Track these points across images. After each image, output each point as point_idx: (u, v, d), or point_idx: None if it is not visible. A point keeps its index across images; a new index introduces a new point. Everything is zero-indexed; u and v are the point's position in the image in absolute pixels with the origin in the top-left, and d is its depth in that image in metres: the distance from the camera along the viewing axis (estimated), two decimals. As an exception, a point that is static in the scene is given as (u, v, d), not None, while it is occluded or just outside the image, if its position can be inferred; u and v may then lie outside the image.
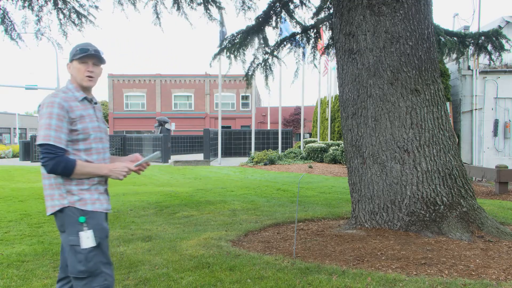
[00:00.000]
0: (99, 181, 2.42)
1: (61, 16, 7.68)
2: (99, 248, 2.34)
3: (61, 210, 2.34)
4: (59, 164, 2.25)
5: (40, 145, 2.27)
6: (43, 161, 2.27)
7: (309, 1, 8.21)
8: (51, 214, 2.38)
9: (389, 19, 5.13)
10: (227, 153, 25.83)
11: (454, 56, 8.88)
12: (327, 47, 8.76)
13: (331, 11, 7.77)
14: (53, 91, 2.62)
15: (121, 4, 7.57)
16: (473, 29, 14.58)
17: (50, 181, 2.36)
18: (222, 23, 9.04)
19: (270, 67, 8.51)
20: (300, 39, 8.39)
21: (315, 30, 8.35)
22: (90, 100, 2.47)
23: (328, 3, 7.93)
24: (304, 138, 25.90)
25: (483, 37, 8.50)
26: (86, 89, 2.46)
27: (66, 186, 2.34)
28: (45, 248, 4.83)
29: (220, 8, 8.03)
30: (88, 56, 2.39)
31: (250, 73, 8.47)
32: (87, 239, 2.31)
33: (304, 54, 9.08)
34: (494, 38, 8.39)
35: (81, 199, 2.34)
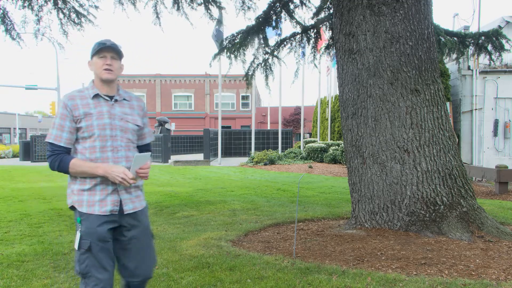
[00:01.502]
0: (103, 180, 2.35)
1: (61, 15, 7.68)
2: (91, 251, 2.29)
3: (72, 208, 2.43)
4: (54, 162, 2.33)
5: (46, 143, 2.40)
6: (47, 158, 2.39)
7: (309, 1, 8.22)
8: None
9: (389, 19, 5.13)
10: (227, 153, 25.83)
11: (454, 56, 8.88)
12: (327, 47, 8.76)
13: (331, 11, 7.77)
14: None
15: (121, 4, 7.57)
16: (473, 29, 14.58)
17: (67, 179, 2.48)
18: (220, 22, 9.02)
19: (270, 67, 8.51)
20: (300, 39, 8.38)
21: (315, 30, 8.35)
22: (111, 97, 2.43)
23: (328, 3, 7.93)
24: (304, 138, 25.90)
25: (483, 37, 8.50)
26: (108, 85, 2.43)
27: (71, 186, 2.41)
28: (45, 248, 4.83)
29: (220, 8, 8.03)
30: (106, 49, 2.39)
31: (250, 73, 8.47)
32: (77, 239, 2.33)
33: (304, 54, 9.08)
34: (494, 38, 8.39)
35: (79, 200, 2.36)
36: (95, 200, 2.34)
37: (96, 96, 2.40)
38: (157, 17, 7.76)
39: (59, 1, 7.52)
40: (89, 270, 2.30)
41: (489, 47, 8.50)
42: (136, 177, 2.36)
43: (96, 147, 2.36)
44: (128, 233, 2.43)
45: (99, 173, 2.31)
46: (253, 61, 8.40)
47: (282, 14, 8.02)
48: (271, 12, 7.86)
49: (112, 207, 2.37)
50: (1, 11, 7.54)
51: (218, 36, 16.07)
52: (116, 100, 2.45)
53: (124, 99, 2.49)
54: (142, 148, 2.61)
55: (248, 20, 8.63)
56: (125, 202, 2.41)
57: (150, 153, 2.46)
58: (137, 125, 2.49)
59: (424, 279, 3.54)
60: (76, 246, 2.32)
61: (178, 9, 7.75)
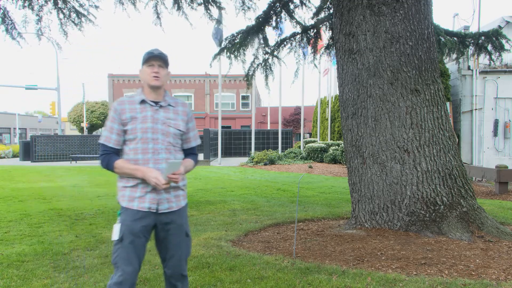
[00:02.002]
0: (144, 180, 2.49)
1: (61, 15, 7.68)
2: (122, 243, 2.47)
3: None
4: (103, 161, 2.56)
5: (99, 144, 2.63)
6: (98, 157, 2.61)
7: (309, 1, 8.21)
8: None
9: (389, 19, 5.13)
10: (227, 153, 25.83)
11: (454, 56, 8.88)
12: (327, 47, 8.76)
13: (331, 11, 7.77)
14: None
15: (122, 4, 7.57)
16: (473, 29, 14.58)
17: (117, 177, 2.65)
18: (220, 21, 9.02)
19: (270, 67, 8.51)
20: (300, 39, 8.39)
21: (315, 30, 8.34)
22: (156, 103, 2.59)
23: (328, 3, 7.93)
24: (304, 138, 25.89)
25: (483, 37, 8.50)
26: (155, 91, 2.60)
27: (118, 183, 2.62)
28: (45, 248, 4.83)
29: (220, 8, 8.02)
30: (153, 58, 2.57)
31: (250, 73, 8.48)
32: (113, 231, 2.52)
33: (304, 54, 9.08)
34: (494, 38, 8.39)
35: (122, 195, 2.57)
36: (135, 196, 2.51)
37: (143, 101, 2.58)
38: (158, 17, 7.76)
39: (59, 1, 7.52)
40: (117, 261, 2.47)
41: (489, 47, 8.50)
42: (169, 181, 2.47)
43: (138, 149, 2.53)
44: (164, 230, 2.58)
45: (138, 176, 2.48)
46: (253, 61, 8.40)
47: (282, 14, 8.02)
48: (271, 12, 7.86)
49: (150, 205, 2.51)
50: (2, 11, 7.54)
51: (217, 35, 16.08)
52: (161, 106, 2.60)
53: (169, 105, 2.64)
54: (187, 152, 2.74)
55: (248, 20, 8.64)
56: (161, 201, 2.54)
57: (180, 161, 2.53)
58: (179, 130, 2.63)
59: (424, 279, 3.54)
60: (112, 237, 2.52)
61: (178, 9, 7.75)
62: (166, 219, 2.56)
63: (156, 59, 2.58)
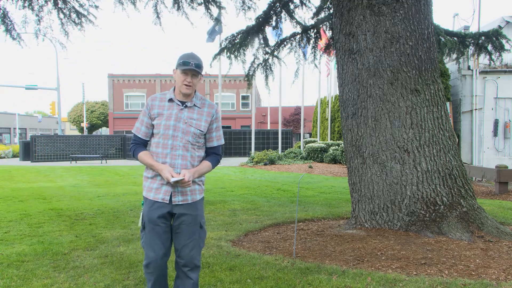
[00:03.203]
0: None
1: (61, 15, 7.68)
2: (145, 230, 2.74)
3: None
4: (131, 149, 2.83)
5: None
6: (130, 146, 2.87)
7: (309, 1, 8.21)
8: None
9: (389, 19, 5.13)
10: (227, 153, 25.82)
11: (454, 56, 8.87)
12: (327, 47, 8.76)
13: (331, 11, 7.77)
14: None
15: (121, 4, 7.57)
16: (473, 29, 14.58)
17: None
18: (218, 20, 9.03)
19: (270, 67, 8.51)
20: (300, 39, 8.38)
21: (315, 30, 8.34)
22: (182, 103, 2.77)
23: (328, 3, 7.93)
24: (304, 138, 25.89)
25: (483, 37, 8.49)
26: (185, 95, 2.76)
27: (144, 173, 2.86)
28: (45, 248, 4.83)
29: (220, 8, 8.02)
30: (188, 70, 2.70)
31: (250, 73, 8.48)
32: (140, 219, 2.82)
33: (304, 54, 9.08)
34: (494, 38, 8.39)
35: (144, 186, 2.81)
36: (153, 187, 2.75)
37: (171, 100, 2.78)
38: (158, 16, 7.76)
39: (59, 1, 7.52)
40: (143, 246, 2.77)
41: (489, 47, 8.49)
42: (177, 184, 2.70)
43: (159, 143, 2.75)
44: (178, 221, 2.75)
45: (155, 169, 2.70)
46: (253, 61, 8.40)
47: (282, 14, 8.02)
48: (271, 12, 7.86)
49: (164, 196, 2.72)
50: (1, 11, 7.53)
51: (212, 34, 16.62)
52: (186, 106, 2.77)
53: (195, 105, 2.80)
54: (209, 151, 2.89)
55: (248, 20, 8.63)
56: (175, 194, 2.72)
57: (182, 178, 2.63)
58: (200, 130, 2.78)
59: (424, 279, 3.54)
60: (138, 224, 2.86)
61: (178, 8, 7.75)
62: (181, 210, 2.73)
63: (191, 70, 2.70)
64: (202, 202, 2.87)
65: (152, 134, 2.81)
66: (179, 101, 2.77)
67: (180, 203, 2.72)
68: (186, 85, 2.71)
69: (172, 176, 2.63)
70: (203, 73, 2.78)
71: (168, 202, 2.71)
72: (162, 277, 2.78)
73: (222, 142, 2.94)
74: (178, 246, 2.76)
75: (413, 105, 5.09)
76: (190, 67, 2.66)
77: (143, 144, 2.82)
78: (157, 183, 2.73)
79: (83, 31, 7.80)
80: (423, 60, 5.17)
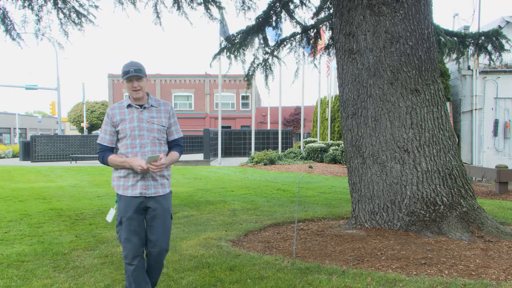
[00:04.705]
0: (133, 170, 2.96)
1: (61, 15, 7.67)
2: (122, 225, 3.01)
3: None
4: (99, 157, 3.08)
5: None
6: (98, 154, 3.12)
7: (309, 1, 8.21)
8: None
9: (389, 19, 5.13)
10: (227, 153, 25.82)
11: (454, 56, 8.87)
12: (327, 47, 8.75)
13: (331, 11, 7.77)
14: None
15: (121, 4, 7.57)
16: (473, 29, 14.58)
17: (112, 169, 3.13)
18: (222, 22, 9.03)
19: (270, 67, 8.51)
20: (300, 39, 8.38)
21: (315, 30, 8.34)
22: (140, 106, 3.04)
23: (328, 3, 7.93)
24: (304, 138, 25.89)
25: (483, 37, 8.50)
26: (137, 99, 3.03)
27: (113, 173, 3.12)
28: (45, 248, 4.83)
29: (220, 8, 8.02)
30: (131, 77, 2.96)
31: (250, 73, 8.47)
32: (109, 215, 3.18)
33: (304, 54, 9.08)
34: (494, 38, 8.39)
35: (117, 185, 3.05)
36: (128, 185, 3.00)
37: (129, 105, 3.06)
38: (158, 16, 7.76)
39: (59, 1, 7.51)
40: (121, 239, 3.03)
41: (489, 47, 8.49)
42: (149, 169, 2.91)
43: (128, 145, 3.00)
44: (152, 213, 3.04)
45: (126, 166, 2.96)
46: (253, 61, 8.40)
47: (282, 14, 8.02)
48: (271, 12, 7.85)
49: (141, 190, 2.99)
50: (1, 11, 7.53)
51: (225, 33, 16.59)
52: (144, 107, 3.06)
53: (152, 106, 3.09)
54: (171, 144, 3.19)
55: (248, 20, 8.64)
56: (149, 187, 3.01)
57: (158, 155, 2.93)
58: (162, 126, 3.07)
59: (424, 279, 3.54)
60: (108, 219, 3.20)
61: (178, 8, 7.75)
62: (154, 203, 3.02)
63: (133, 76, 2.95)
64: (171, 195, 3.18)
65: (118, 140, 3.06)
66: (136, 105, 3.05)
67: (153, 195, 3.01)
68: (134, 90, 2.98)
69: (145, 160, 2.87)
70: (146, 74, 3.03)
71: (146, 195, 2.99)
72: (141, 268, 3.03)
73: (181, 134, 3.25)
74: (153, 237, 3.03)
75: (413, 105, 5.09)
76: (131, 74, 2.93)
77: (110, 150, 3.06)
78: (131, 180, 2.99)
79: (82, 31, 7.80)
80: (423, 60, 5.17)
